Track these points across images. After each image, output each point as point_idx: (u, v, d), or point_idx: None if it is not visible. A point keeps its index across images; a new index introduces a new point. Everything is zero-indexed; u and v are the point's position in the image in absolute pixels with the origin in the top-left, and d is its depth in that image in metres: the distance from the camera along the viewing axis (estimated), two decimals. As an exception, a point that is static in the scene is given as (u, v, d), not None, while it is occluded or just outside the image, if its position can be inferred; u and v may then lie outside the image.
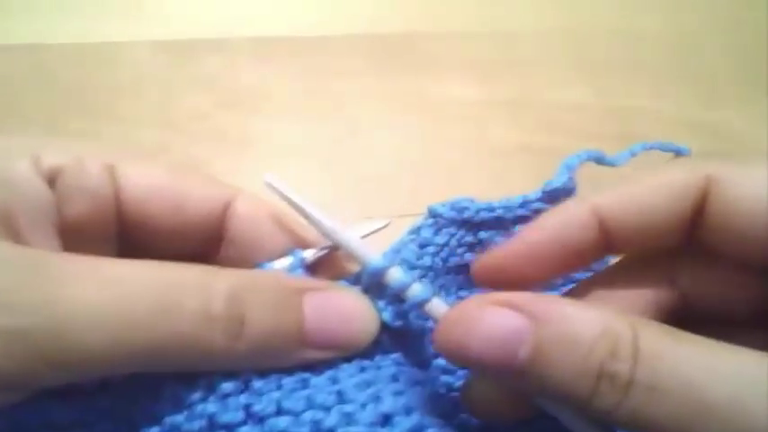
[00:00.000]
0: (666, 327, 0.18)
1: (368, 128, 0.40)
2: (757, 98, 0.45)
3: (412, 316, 0.22)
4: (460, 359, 0.19)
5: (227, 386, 0.19)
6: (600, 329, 0.17)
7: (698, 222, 0.20)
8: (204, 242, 0.23)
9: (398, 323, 0.22)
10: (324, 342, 0.20)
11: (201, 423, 0.19)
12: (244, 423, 0.18)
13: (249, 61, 0.42)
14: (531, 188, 0.38)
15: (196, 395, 0.19)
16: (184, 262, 0.20)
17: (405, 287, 0.21)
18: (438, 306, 0.21)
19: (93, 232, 0.21)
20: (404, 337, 0.23)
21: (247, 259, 0.22)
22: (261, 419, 0.19)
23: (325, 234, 0.22)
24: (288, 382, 0.19)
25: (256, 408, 0.19)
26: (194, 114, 0.39)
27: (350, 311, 0.21)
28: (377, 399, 0.19)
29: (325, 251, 0.23)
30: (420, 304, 0.21)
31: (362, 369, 0.21)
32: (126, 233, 0.22)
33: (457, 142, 0.40)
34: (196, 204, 0.22)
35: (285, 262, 0.22)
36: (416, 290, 0.21)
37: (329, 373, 0.20)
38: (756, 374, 0.16)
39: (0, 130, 0.36)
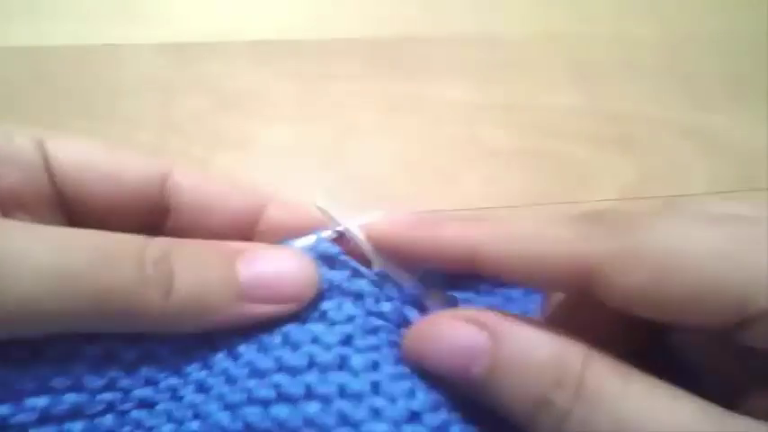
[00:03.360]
0: (619, 364, 0.18)
1: (365, 131, 0.41)
2: (752, 103, 0.46)
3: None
4: (421, 365, 0.20)
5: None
6: (551, 357, 0.18)
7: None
8: (148, 215, 0.23)
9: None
10: (262, 295, 0.20)
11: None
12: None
13: (248, 64, 0.43)
14: (526, 190, 0.39)
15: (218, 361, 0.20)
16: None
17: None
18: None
19: (31, 206, 0.21)
20: None
21: (198, 227, 0.23)
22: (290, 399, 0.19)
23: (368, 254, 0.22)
24: (324, 358, 0.20)
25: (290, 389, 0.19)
26: (194, 116, 0.40)
27: (286, 264, 0.21)
28: (411, 394, 0.19)
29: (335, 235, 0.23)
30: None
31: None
32: (68, 210, 0.22)
33: (453, 145, 0.41)
34: (133, 176, 0.22)
35: (308, 240, 0.23)
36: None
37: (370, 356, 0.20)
38: (690, 427, 0.16)
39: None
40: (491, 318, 0.19)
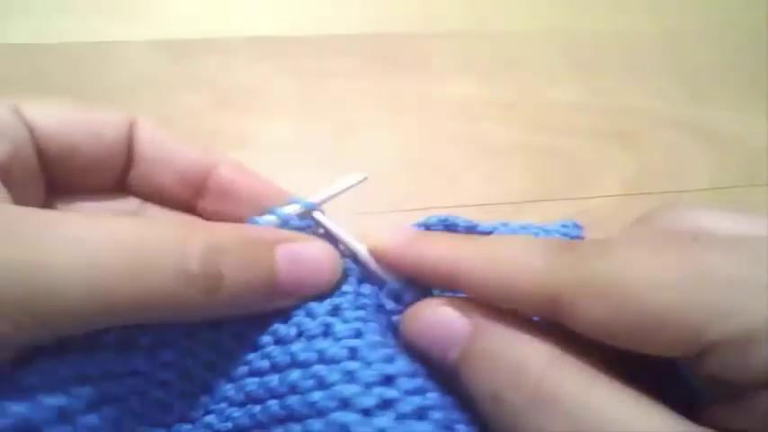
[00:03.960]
0: (587, 368, 0.17)
1: (365, 127, 0.41)
2: (752, 98, 0.46)
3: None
4: (410, 345, 0.21)
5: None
6: (515, 356, 0.18)
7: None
8: (120, 168, 0.24)
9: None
10: (295, 290, 0.21)
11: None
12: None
13: (245, 61, 0.42)
14: (527, 187, 0.39)
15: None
16: (108, 192, 0.24)
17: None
18: None
19: (20, 174, 0.21)
20: None
21: (156, 176, 0.25)
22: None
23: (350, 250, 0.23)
24: (310, 327, 0.21)
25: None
26: (191, 113, 0.39)
27: (319, 260, 0.22)
28: (389, 359, 0.20)
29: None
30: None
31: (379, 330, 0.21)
32: (48, 170, 0.23)
33: (454, 142, 0.41)
34: (110, 130, 0.23)
35: (271, 219, 0.23)
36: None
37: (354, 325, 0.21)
38: None
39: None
40: (478, 309, 0.20)
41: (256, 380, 0.21)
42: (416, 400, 0.19)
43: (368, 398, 0.18)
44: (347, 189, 0.24)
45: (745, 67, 0.48)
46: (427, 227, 0.24)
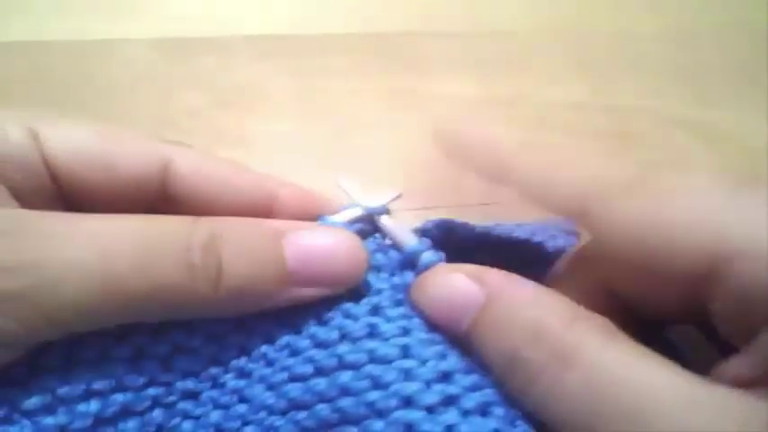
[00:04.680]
0: (607, 328, 0.18)
1: (365, 126, 0.40)
2: (754, 97, 0.46)
3: None
4: (421, 311, 0.21)
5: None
6: (533, 316, 0.18)
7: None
8: (151, 204, 0.22)
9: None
10: (310, 280, 0.20)
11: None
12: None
13: (245, 59, 0.42)
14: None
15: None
16: None
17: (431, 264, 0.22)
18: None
19: (30, 200, 0.20)
20: None
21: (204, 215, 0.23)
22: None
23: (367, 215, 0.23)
24: (354, 329, 0.20)
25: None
26: (190, 112, 0.39)
27: (333, 247, 0.21)
28: (442, 356, 0.19)
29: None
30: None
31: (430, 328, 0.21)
32: (66, 200, 0.22)
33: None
34: (127, 162, 0.22)
35: (345, 216, 0.23)
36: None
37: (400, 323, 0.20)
38: (662, 393, 0.16)
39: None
40: (493, 275, 0.20)
41: (300, 385, 0.20)
42: (477, 396, 0.18)
43: (431, 395, 0.18)
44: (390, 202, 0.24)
45: (745, 67, 0.47)
46: (424, 232, 0.24)
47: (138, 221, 0.19)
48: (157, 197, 0.22)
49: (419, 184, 0.38)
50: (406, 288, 0.22)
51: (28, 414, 0.18)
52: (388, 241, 0.23)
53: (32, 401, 0.18)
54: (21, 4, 0.42)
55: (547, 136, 0.41)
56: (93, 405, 0.19)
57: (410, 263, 0.23)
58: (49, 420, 0.18)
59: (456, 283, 0.20)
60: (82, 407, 0.19)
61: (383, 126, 0.41)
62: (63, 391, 0.19)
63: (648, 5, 0.50)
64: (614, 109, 0.43)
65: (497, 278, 0.20)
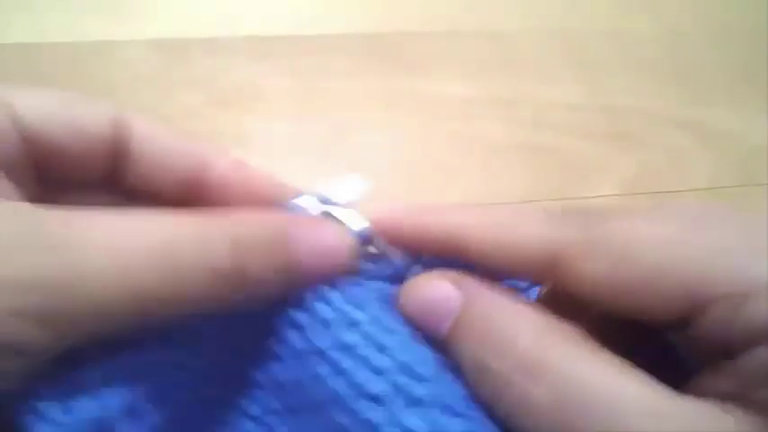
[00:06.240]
0: (577, 340, 0.18)
1: (363, 127, 0.40)
2: (750, 97, 0.46)
3: None
4: (405, 318, 0.21)
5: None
6: (502, 326, 0.18)
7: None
8: (110, 164, 0.23)
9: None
10: (317, 273, 0.21)
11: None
12: None
13: (243, 60, 0.42)
14: (525, 186, 0.39)
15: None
16: (98, 187, 0.23)
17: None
18: None
19: (11, 169, 0.21)
20: None
21: (152, 177, 0.24)
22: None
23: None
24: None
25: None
26: (188, 113, 0.39)
27: (336, 244, 0.21)
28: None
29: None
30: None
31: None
32: (37, 165, 0.22)
33: (452, 141, 0.41)
34: (94, 121, 0.23)
35: (310, 201, 0.23)
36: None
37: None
38: (631, 406, 0.16)
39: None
40: (470, 281, 0.20)
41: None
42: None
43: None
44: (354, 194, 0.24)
45: (744, 67, 0.47)
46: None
47: (155, 223, 0.19)
48: (116, 156, 0.24)
49: (418, 184, 0.38)
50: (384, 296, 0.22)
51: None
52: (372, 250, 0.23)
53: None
54: (21, 4, 0.42)
55: (544, 137, 0.41)
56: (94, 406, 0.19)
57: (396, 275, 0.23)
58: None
59: (438, 287, 0.20)
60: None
61: (382, 126, 0.41)
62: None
63: (646, 6, 0.50)
64: (612, 109, 0.43)
65: (474, 285, 0.20)
